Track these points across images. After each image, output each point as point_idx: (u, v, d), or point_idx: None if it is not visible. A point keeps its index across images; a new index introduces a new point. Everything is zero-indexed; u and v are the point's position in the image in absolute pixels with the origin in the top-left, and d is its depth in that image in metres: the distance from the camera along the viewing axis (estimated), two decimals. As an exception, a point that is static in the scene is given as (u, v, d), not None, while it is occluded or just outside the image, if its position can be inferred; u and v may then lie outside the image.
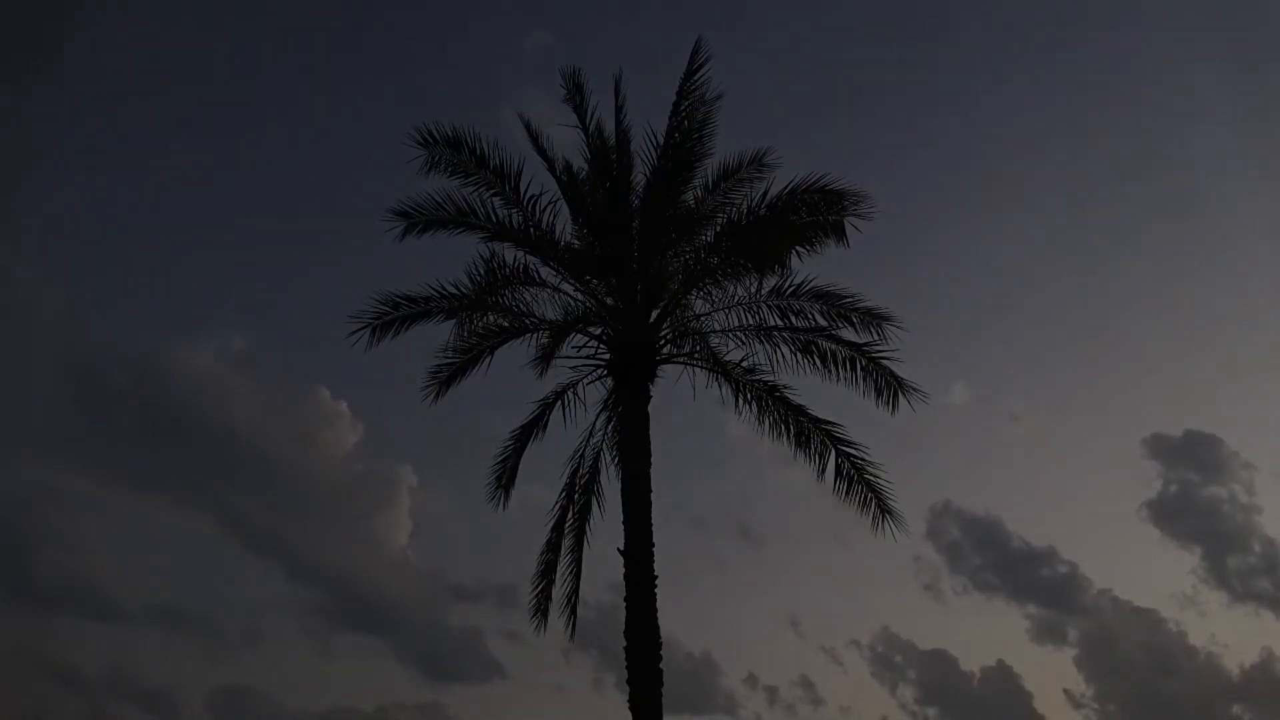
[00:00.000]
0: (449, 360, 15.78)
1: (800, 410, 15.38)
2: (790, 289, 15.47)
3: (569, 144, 15.53)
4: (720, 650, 42.61)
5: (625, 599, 14.41)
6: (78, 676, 38.96)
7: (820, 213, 15.04)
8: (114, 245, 52.25)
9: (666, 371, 15.55)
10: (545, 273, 15.60)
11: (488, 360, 15.89)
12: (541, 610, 16.50)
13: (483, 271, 15.19)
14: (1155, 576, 48.07)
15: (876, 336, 15.20)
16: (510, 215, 15.55)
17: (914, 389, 15.15)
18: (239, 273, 55.33)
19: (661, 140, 15.22)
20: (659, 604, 14.45)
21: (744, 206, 15.44)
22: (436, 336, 15.65)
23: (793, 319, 15.56)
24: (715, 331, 15.59)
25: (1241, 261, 48.80)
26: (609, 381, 15.58)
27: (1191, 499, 42.97)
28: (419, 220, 15.47)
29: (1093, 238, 53.43)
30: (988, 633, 46.25)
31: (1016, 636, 43.76)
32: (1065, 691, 42.75)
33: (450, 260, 15.71)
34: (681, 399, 15.69)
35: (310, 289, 56.15)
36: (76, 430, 44.55)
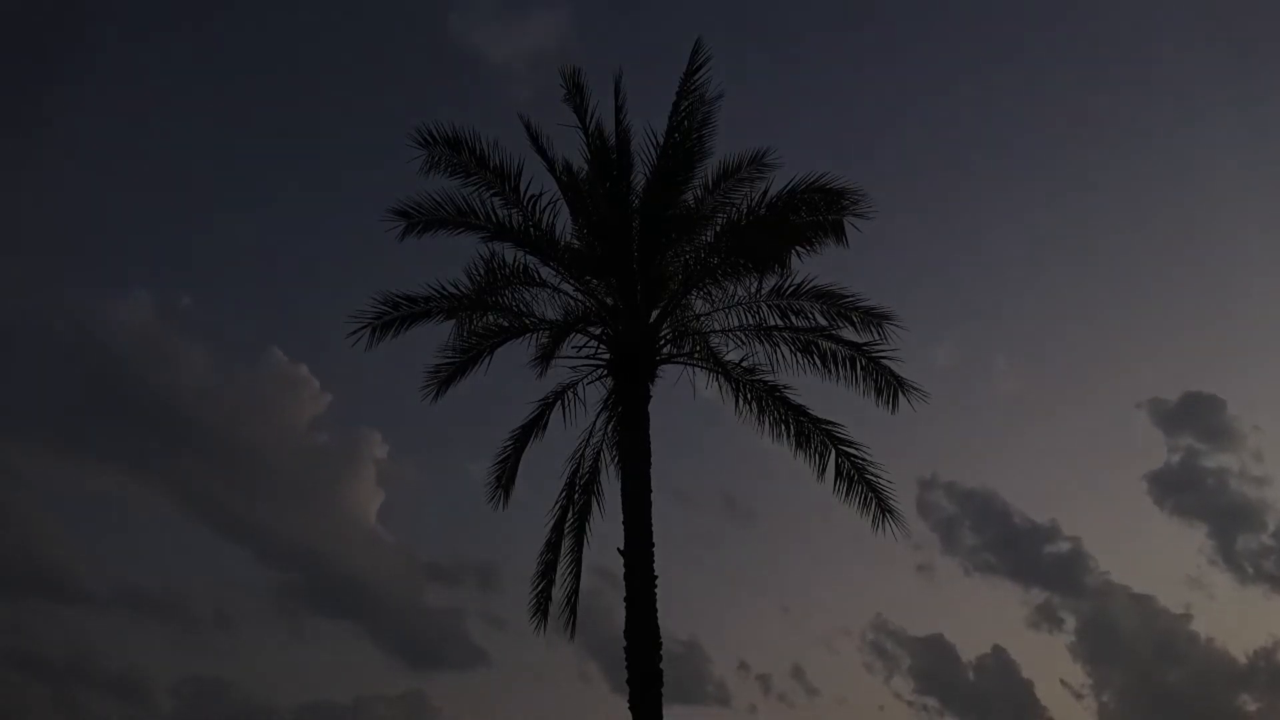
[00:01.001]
0: (449, 360, 15.79)
1: (800, 410, 15.38)
2: (790, 289, 15.47)
3: (570, 144, 15.57)
4: (708, 636, 41.43)
5: (625, 599, 14.40)
6: (42, 663, 37.90)
7: (820, 212, 15.03)
8: (33, 192, 48.25)
9: (666, 371, 15.57)
10: (545, 273, 15.65)
11: (488, 360, 15.89)
12: (541, 610, 16.50)
13: (483, 271, 15.25)
14: (1159, 556, 45.95)
15: (876, 336, 15.23)
16: (510, 215, 15.57)
17: (915, 389, 15.18)
18: (170, 222, 51.47)
19: (661, 140, 15.21)
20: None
21: (744, 206, 15.44)
22: (436, 335, 15.70)
23: (793, 319, 15.57)
24: (715, 331, 15.63)
25: (1237, 215, 46.73)
26: (609, 381, 15.57)
27: (1197, 470, 40.95)
28: (419, 220, 15.49)
29: (1083, 196, 51.85)
30: (984, 616, 44.72)
31: (1014, 620, 42.36)
32: (1063, 682, 41.51)
33: (445, 258, 15.75)
34: (682, 399, 15.71)
35: (250, 238, 52.22)
36: (15, 400, 42.05)
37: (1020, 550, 41.37)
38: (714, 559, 44.44)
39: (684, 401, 15.63)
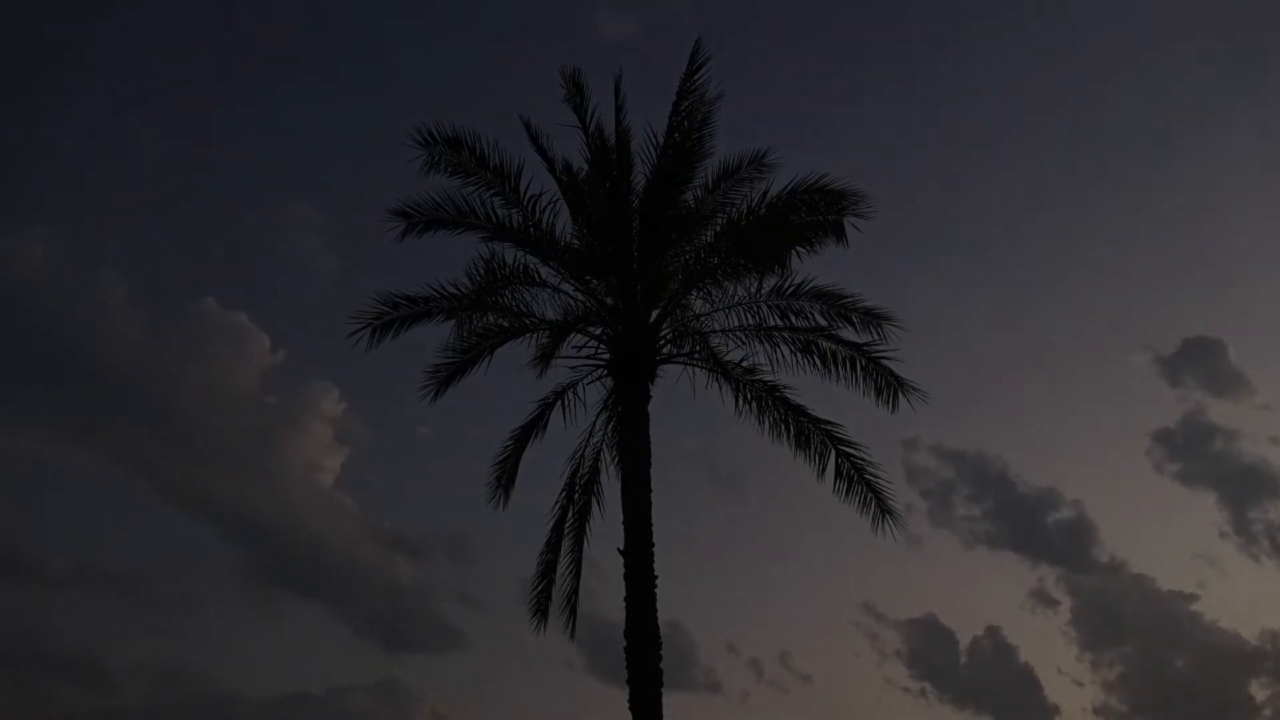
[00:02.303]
0: (449, 360, 15.79)
1: (800, 410, 15.43)
2: (790, 289, 15.50)
3: (570, 144, 15.57)
4: (691, 618, 39.76)
5: (625, 599, 14.42)
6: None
7: (820, 212, 15.06)
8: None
9: (666, 371, 15.58)
10: (545, 273, 15.64)
11: (487, 360, 15.90)
12: (541, 610, 16.53)
13: (483, 271, 15.24)
14: (1165, 526, 42.83)
15: (876, 336, 15.27)
16: (510, 215, 15.57)
17: (914, 389, 15.23)
18: (59, 147, 45.71)
19: (661, 140, 15.22)
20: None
21: (744, 206, 15.48)
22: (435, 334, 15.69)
23: (793, 319, 15.60)
24: (715, 331, 15.63)
25: (1226, 152, 44.35)
26: (609, 381, 15.59)
27: (1204, 429, 38.23)
28: (419, 220, 15.48)
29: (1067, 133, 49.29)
30: (980, 593, 42.06)
31: (1012, 598, 39.96)
32: (1059, 669, 39.63)
33: (444, 257, 15.73)
34: (682, 399, 15.72)
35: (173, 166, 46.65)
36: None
37: (1018, 520, 38.95)
38: (692, 533, 42.29)
39: (683, 398, 15.65)
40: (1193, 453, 38.84)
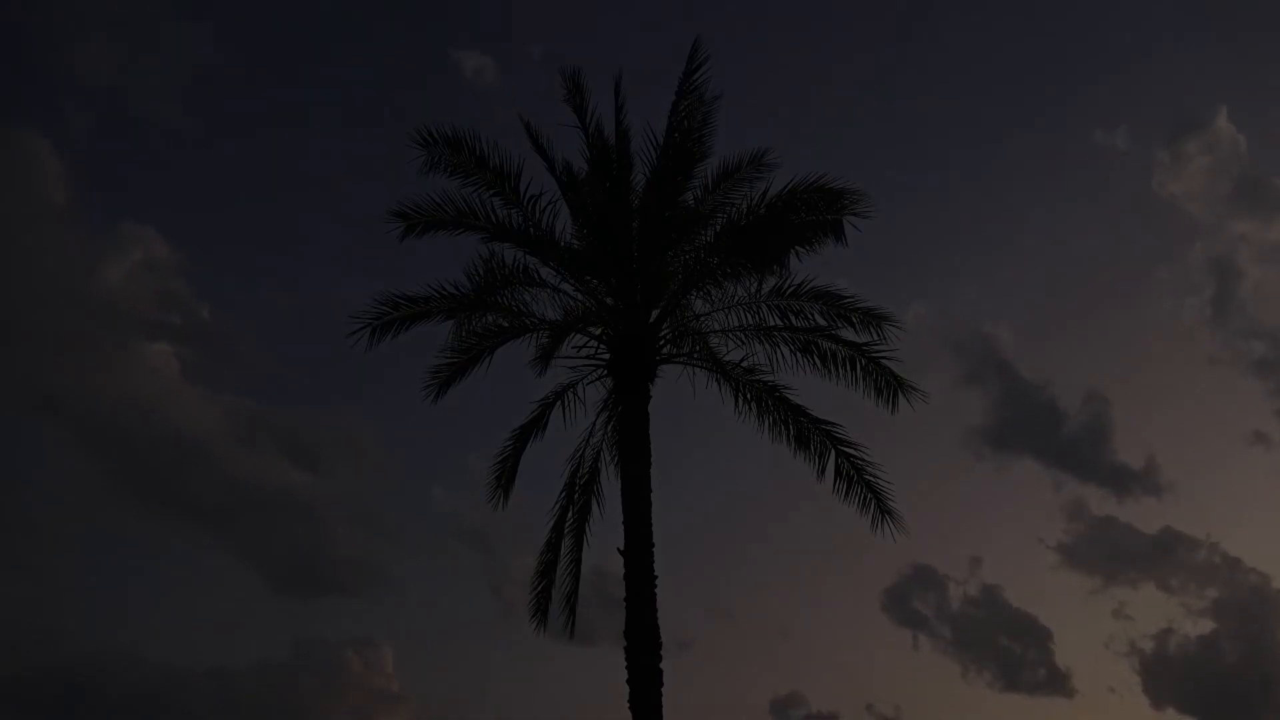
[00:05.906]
0: (449, 360, 15.81)
1: (800, 410, 15.42)
2: (790, 289, 15.51)
3: (570, 144, 15.58)
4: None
5: (625, 599, 14.46)
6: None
7: (819, 212, 15.04)
8: None
9: (666, 371, 15.59)
10: (545, 273, 15.67)
11: (488, 360, 15.92)
12: (541, 610, 16.57)
13: (482, 271, 15.27)
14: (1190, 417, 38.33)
15: (876, 336, 15.28)
16: (510, 215, 15.60)
17: (914, 389, 15.25)
18: None
19: (661, 140, 15.25)
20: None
21: (743, 206, 15.46)
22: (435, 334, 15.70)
23: (792, 319, 15.61)
24: (715, 331, 15.62)
25: None
26: (609, 381, 15.60)
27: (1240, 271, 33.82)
28: (418, 221, 15.50)
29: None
30: (972, 525, 39.25)
31: (1004, 532, 37.41)
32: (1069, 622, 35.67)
33: (444, 258, 15.73)
34: (682, 399, 15.72)
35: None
36: None
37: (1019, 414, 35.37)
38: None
39: (682, 399, 15.65)
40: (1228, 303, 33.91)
